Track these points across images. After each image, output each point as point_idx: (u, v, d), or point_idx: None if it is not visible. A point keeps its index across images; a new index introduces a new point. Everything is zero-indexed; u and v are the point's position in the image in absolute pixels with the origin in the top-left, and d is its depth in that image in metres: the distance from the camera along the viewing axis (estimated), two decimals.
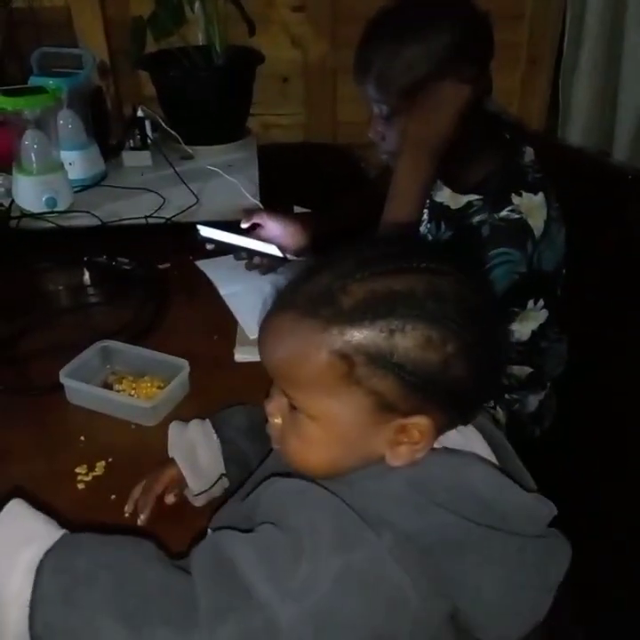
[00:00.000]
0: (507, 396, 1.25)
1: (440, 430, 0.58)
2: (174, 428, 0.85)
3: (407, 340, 0.53)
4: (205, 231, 1.28)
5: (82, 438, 0.94)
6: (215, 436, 0.83)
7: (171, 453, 0.84)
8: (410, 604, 0.53)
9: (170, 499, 0.82)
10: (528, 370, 1.25)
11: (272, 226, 1.30)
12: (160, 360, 1.02)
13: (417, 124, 1.01)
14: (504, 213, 1.04)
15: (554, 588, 0.57)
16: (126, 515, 0.82)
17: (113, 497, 0.85)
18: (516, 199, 1.04)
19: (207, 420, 0.86)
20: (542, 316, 1.19)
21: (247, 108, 1.88)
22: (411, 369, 0.53)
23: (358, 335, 0.53)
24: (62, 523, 0.80)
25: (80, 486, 0.87)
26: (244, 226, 1.30)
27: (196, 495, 0.82)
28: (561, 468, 1.23)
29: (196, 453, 0.83)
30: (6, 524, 0.61)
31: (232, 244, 1.29)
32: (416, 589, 0.53)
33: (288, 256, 1.29)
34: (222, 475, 0.83)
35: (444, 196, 1.15)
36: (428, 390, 0.54)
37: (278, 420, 0.62)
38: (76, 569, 0.57)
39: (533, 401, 1.28)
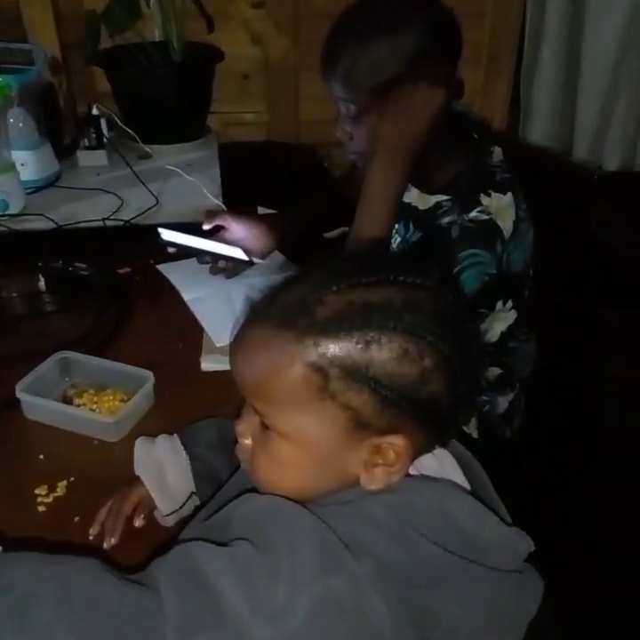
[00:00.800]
0: None
1: (417, 452, 0.56)
2: (140, 445, 0.82)
3: (383, 353, 0.51)
4: (167, 234, 1.24)
5: (41, 456, 0.90)
6: (184, 452, 0.80)
7: (137, 472, 0.80)
8: (384, 635, 0.51)
9: (139, 522, 0.79)
10: (497, 371, 1.24)
11: (236, 228, 1.26)
12: (123, 371, 0.97)
13: (391, 127, 0.99)
14: (473, 214, 1.03)
15: (526, 623, 0.56)
16: (91, 537, 0.78)
17: (76, 519, 0.81)
18: (485, 200, 1.03)
19: (175, 435, 0.82)
20: (511, 316, 1.18)
21: (207, 106, 1.83)
22: (387, 383, 0.52)
23: (333, 347, 0.52)
24: (22, 548, 0.76)
25: (41, 508, 0.82)
26: (207, 228, 1.25)
27: (166, 516, 0.78)
28: (531, 468, 1.23)
29: (165, 471, 0.79)
30: None
31: (195, 247, 1.25)
32: (391, 621, 0.51)
33: (253, 259, 1.25)
34: (192, 493, 0.79)
35: (412, 196, 1.13)
36: (404, 406, 0.53)
37: (248, 441, 0.60)
38: (18, 588, 0.53)
39: (503, 402, 1.27)
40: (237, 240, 1.27)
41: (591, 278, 1.30)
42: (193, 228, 1.28)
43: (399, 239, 1.16)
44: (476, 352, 0.57)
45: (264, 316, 0.55)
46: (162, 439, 0.82)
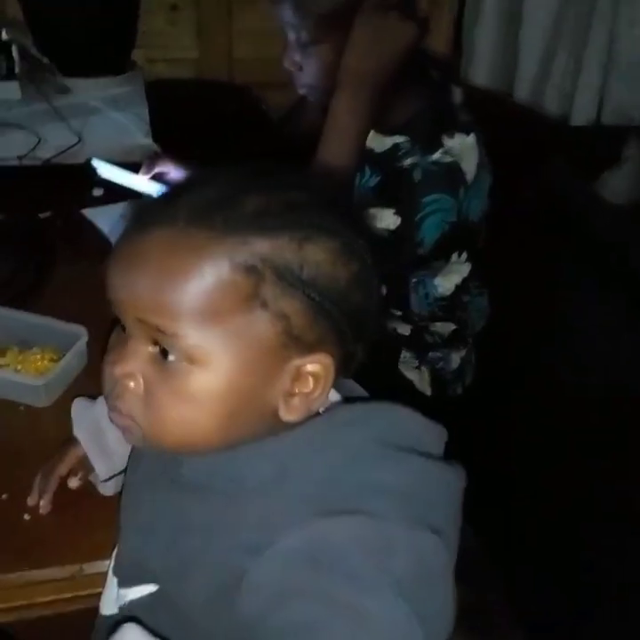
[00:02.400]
0: (430, 354, 1.20)
1: (337, 375, 0.51)
2: (78, 405, 0.73)
3: (317, 253, 0.47)
4: (104, 169, 1.12)
5: None
6: None
7: (75, 432, 0.71)
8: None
9: (73, 482, 0.72)
10: (451, 326, 1.20)
11: (176, 173, 1.16)
12: (51, 327, 0.87)
13: (358, 58, 0.91)
14: (436, 156, 0.97)
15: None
16: (26, 516, 0.70)
17: (4, 496, 0.72)
18: (447, 141, 0.97)
19: None
20: (465, 269, 1.14)
21: (132, 38, 1.67)
22: (320, 287, 0.47)
23: (266, 244, 0.46)
24: None
25: None
26: (145, 176, 1.14)
27: (105, 481, 0.71)
28: (483, 425, 1.21)
29: (104, 432, 0.71)
30: None
31: (134, 189, 1.13)
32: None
33: None
34: None
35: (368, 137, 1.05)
36: (334, 316, 0.48)
37: (134, 384, 0.48)
38: None
39: (456, 358, 1.23)
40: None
41: (543, 228, 1.27)
42: (126, 169, 1.16)
43: (356, 183, 1.08)
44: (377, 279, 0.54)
45: (165, 217, 0.46)
46: (102, 399, 0.72)
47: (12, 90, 1.50)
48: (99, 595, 0.65)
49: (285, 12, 0.95)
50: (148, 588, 0.55)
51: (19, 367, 0.84)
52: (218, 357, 0.46)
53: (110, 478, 0.71)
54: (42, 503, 0.70)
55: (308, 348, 0.48)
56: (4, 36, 1.48)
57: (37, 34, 1.59)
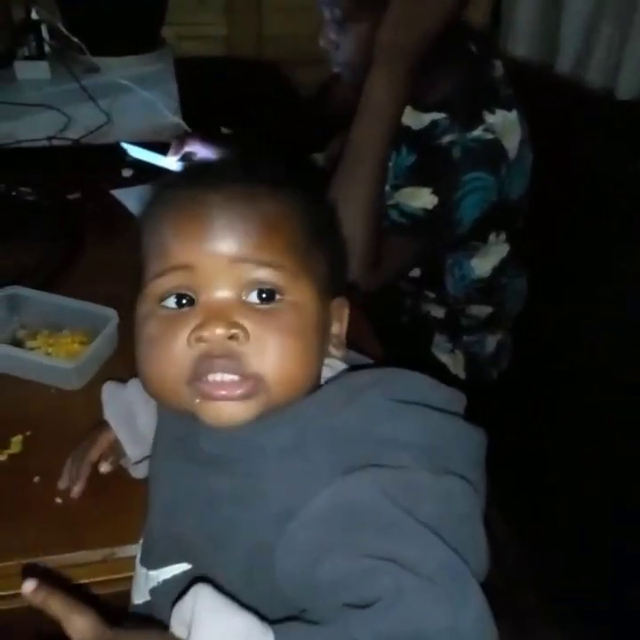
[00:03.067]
0: (465, 337, 1.18)
1: None
2: (108, 388, 0.73)
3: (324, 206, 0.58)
4: (134, 151, 1.10)
5: None
6: None
7: (106, 416, 0.71)
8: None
9: (104, 467, 0.71)
10: (488, 309, 1.17)
11: (205, 152, 1.14)
12: (81, 309, 0.86)
13: (394, 32, 0.87)
14: (477, 133, 0.93)
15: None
16: (58, 500, 0.69)
17: (36, 479, 0.71)
18: (489, 117, 0.94)
19: None
20: (504, 250, 1.11)
21: (161, 14, 1.65)
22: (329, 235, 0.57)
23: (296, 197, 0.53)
24: None
25: None
26: (174, 157, 1.13)
27: (136, 463, 0.70)
28: (518, 411, 1.18)
29: (136, 415, 0.71)
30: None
31: (164, 168, 1.12)
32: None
33: None
34: None
35: (405, 114, 1.02)
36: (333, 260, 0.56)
37: (243, 336, 0.48)
38: None
39: (492, 342, 1.21)
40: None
41: (586, 206, 1.22)
42: (155, 149, 1.15)
43: (392, 162, 1.05)
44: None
45: (224, 179, 0.52)
46: (133, 382, 0.73)
47: (41, 69, 1.49)
48: (131, 578, 0.65)
49: None
50: (182, 567, 0.55)
51: (50, 350, 0.84)
52: (311, 291, 0.51)
53: (141, 461, 0.70)
54: (75, 489, 0.70)
55: (333, 290, 0.54)
56: (34, 15, 1.47)
57: (66, 12, 1.57)
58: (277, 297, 0.49)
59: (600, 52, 1.66)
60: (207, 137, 1.19)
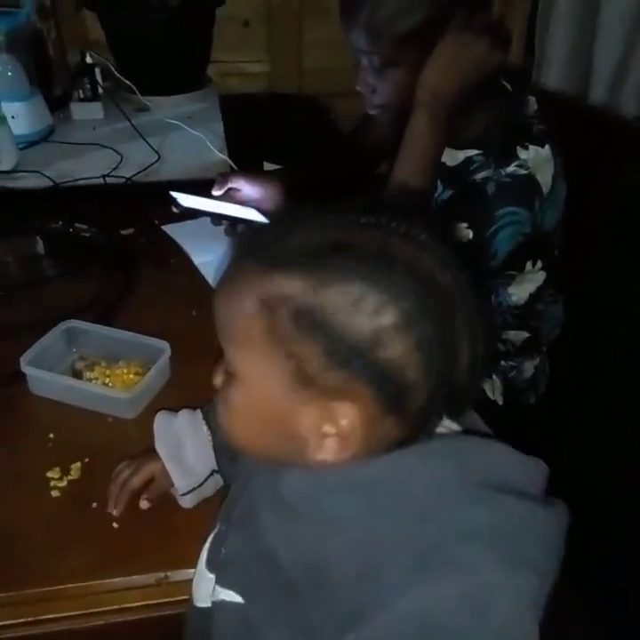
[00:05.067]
0: (503, 363, 1.19)
1: (376, 433, 0.48)
2: (160, 419, 0.77)
3: (335, 298, 0.45)
4: (184, 199, 1.15)
5: (51, 436, 0.83)
6: (205, 427, 0.75)
7: (157, 447, 0.75)
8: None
9: (143, 503, 0.75)
10: (525, 335, 1.18)
11: (249, 189, 1.18)
12: (136, 342, 0.90)
13: (440, 76, 0.90)
14: (511, 169, 0.95)
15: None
16: (114, 525, 0.73)
17: (94, 505, 0.75)
18: (522, 153, 0.96)
19: (198, 409, 0.77)
20: (540, 277, 1.12)
21: (207, 54, 1.72)
22: (335, 334, 0.45)
23: (285, 283, 0.47)
24: (36, 542, 0.71)
25: (54, 494, 0.76)
26: (218, 193, 1.17)
27: (184, 494, 0.74)
28: (557, 436, 1.18)
29: (184, 446, 0.74)
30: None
31: (213, 212, 1.16)
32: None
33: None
34: (214, 471, 0.75)
35: None
36: (355, 368, 0.46)
37: (218, 384, 0.55)
38: None
39: (529, 367, 1.22)
40: (250, 201, 1.19)
41: (620, 234, 1.23)
42: (201, 187, 1.19)
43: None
44: (482, 336, 0.49)
45: (238, 252, 0.52)
46: (183, 413, 0.77)
47: (95, 110, 1.57)
48: (185, 601, 0.68)
49: (359, 38, 0.95)
50: (237, 598, 0.58)
51: (106, 381, 0.89)
52: (248, 377, 0.51)
53: (189, 492, 0.73)
54: (114, 512, 0.74)
55: (329, 392, 0.47)
56: (88, 59, 1.55)
57: (118, 55, 1.66)
58: (235, 372, 0.52)
59: (634, 81, 1.67)
60: (251, 173, 1.23)
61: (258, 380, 0.50)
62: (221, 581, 0.61)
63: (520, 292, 1.11)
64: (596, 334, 1.25)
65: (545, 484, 0.51)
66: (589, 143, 1.26)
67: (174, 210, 1.18)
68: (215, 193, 1.18)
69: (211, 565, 0.62)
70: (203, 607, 0.63)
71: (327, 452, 0.49)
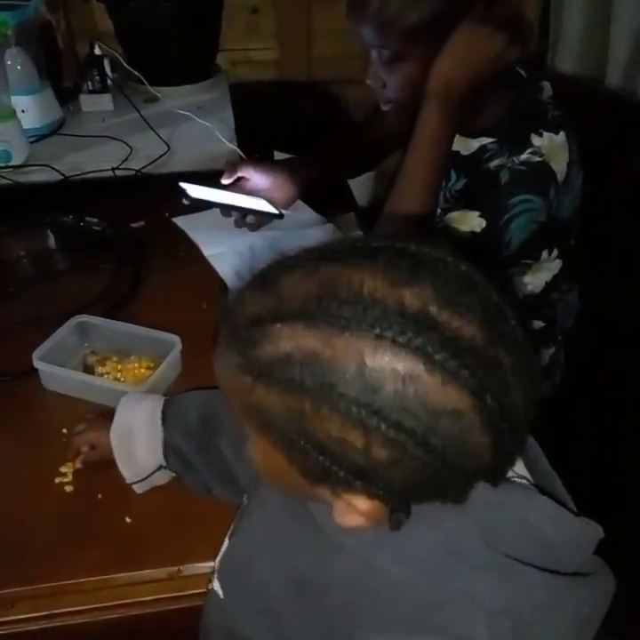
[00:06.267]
0: None
1: (397, 515, 0.45)
2: (125, 402, 0.77)
3: (320, 430, 0.41)
4: (193, 190, 1.15)
5: (64, 431, 0.83)
6: (160, 421, 0.75)
7: (111, 432, 0.75)
8: None
9: (77, 464, 0.78)
10: (540, 324, 1.17)
11: (259, 179, 1.17)
12: (147, 336, 0.91)
13: (452, 68, 0.89)
14: (525, 156, 0.94)
15: (599, 622, 0.49)
16: (127, 519, 0.74)
17: (99, 496, 0.76)
18: (536, 140, 0.94)
19: (163, 400, 0.77)
20: (556, 266, 1.11)
21: (215, 43, 1.71)
22: (333, 457, 0.42)
23: (267, 400, 0.42)
24: (50, 537, 0.72)
25: (68, 489, 0.77)
26: (227, 182, 1.16)
27: (132, 483, 0.75)
28: (574, 426, 1.18)
29: (135, 438, 0.75)
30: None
31: (222, 203, 1.16)
32: None
33: (282, 211, 1.17)
34: (161, 467, 0.75)
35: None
36: (358, 485, 0.42)
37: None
38: None
39: (544, 356, 1.20)
40: (259, 191, 1.18)
41: (637, 224, 1.21)
42: (210, 179, 1.19)
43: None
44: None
45: (231, 321, 0.45)
46: (147, 402, 0.77)
47: (105, 102, 1.56)
48: (198, 595, 0.69)
49: (368, 32, 0.93)
50: (220, 591, 0.60)
51: (118, 375, 0.89)
52: (258, 451, 0.48)
53: (137, 482, 0.75)
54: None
55: (338, 487, 0.44)
56: (97, 50, 1.54)
57: (127, 46, 1.65)
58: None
59: None
60: (260, 162, 1.22)
61: (268, 458, 0.46)
62: (218, 570, 0.62)
63: (536, 280, 1.10)
64: (611, 324, 1.24)
65: (591, 548, 0.48)
66: (606, 128, 1.24)
67: (184, 201, 1.18)
68: (224, 182, 1.17)
69: (230, 537, 0.64)
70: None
71: (355, 521, 0.46)
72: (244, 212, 1.17)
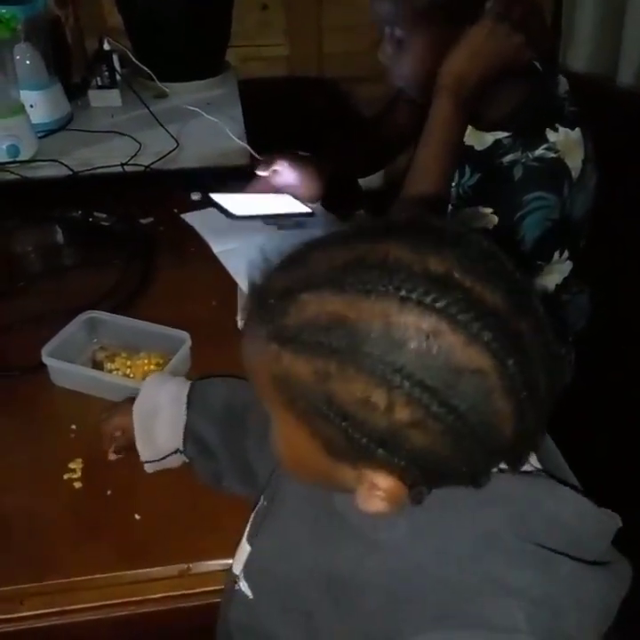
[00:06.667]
0: None
1: (422, 493, 0.45)
2: (151, 381, 0.78)
3: (345, 393, 0.41)
4: (227, 202, 1.13)
5: (73, 427, 0.83)
6: (185, 409, 0.74)
7: (134, 408, 0.75)
8: None
9: (111, 456, 0.77)
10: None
11: (288, 174, 1.17)
12: (156, 333, 0.90)
13: (463, 64, 0.88)
14: (539, 152, 0.92)
15: (616, 610, 0.49)
16: (137, 516, 0.73)
17: (109, 492, 0.76)
18: (551, 135, 0.93)
19: (188, 384, 0.77)
20: (567, 268, 1.09)
21: (225, 39, 1.70)
22: (355, 423, 0.41)
23: (294, 365, 0.43)
24: (60, 534, 0.71)
25: (77, 485, 0.76)
26: (263, 174, 1.16)
27: (145, 462, 0.75)
28: (585, 426, 1.17)
29: (157, 417, 0.75)
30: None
31: (264, 214, 1.15)
32: None
33: (313, 209, 1.17)
34: (178, 450, 0.75)
35: (466, 135, 1.03)
36: (379, 454, 0.42)
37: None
38: None
39: None
40: (287, 185, 1.18)
41: None
42: (220, 176, 1.18)
43: (453, 184, 1.06)
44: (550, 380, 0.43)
45: (258, 295, 0.46)
46: (172, 384, 0.77)
47: (114, 97, 1.55)
48: (208, 593, 0.69)
49: (382, 7, 0.94)
50: (249, 592, 0.59)
51: (128, 371, 0.88)
52: (281, 431, 0.48)
53: (148, 462, 0.75)
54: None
55: (366, 465, 0.44)
56: (106, 45, 1.53)
57: (136, 41, 1.64)
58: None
59: None
60: (291, 158, 1.21)
61: (291, 439, 0.47)
62: (244, 571, 0.61)
63: (546, 283, 1.09)
64: (626, 324, 1.23)
65: (609, 537, 0.48)
66: (620, 127, 1.23)
67: (226, 217, 1.14)
68: (261, 174, 1.17)
69: (249, 539, 0.63)
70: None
71: (377, 505, 0.45)
72: (283, 220, 1.16)
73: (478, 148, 1.00)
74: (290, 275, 0.44)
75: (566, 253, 1.06)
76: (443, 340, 0.39)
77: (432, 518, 0.47)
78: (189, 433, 0.74)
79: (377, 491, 0.44)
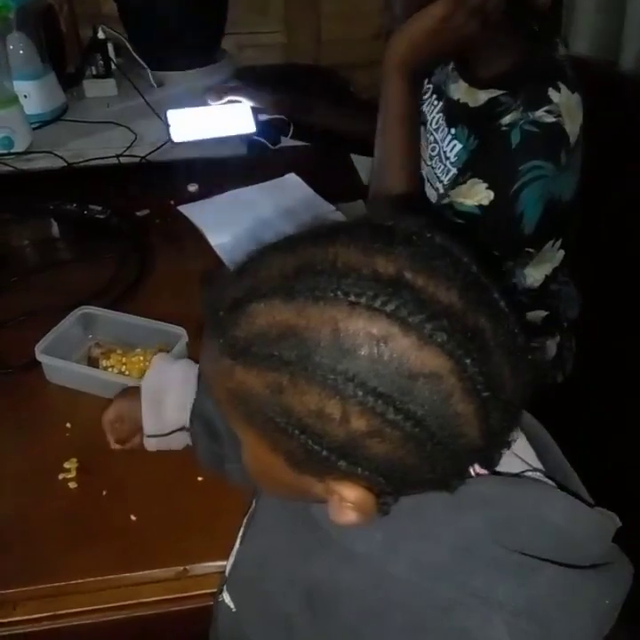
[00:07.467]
0: None
1: (390, 503, 0.44)
2: (160, 360, 0.76)
3: (299, 405, 0.39)
4: (177, 121, 1.21)
5: (68, 425, 0.82)
6: (195, 388, 0.73)
7: (144, 378, 0.74)
8: None
9: (115, 446, 0.76)
10: (543, 313, 1.13)
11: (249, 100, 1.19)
12: (152, 328, 0.89)
13: (405, 44, 0.89)
14: (539, 113, 0.87)
15: (616, 612, 0.47)
16: (132, 517, 0.72)
17: (104, 493, 0.75)
18: (554, 95, 0.88)
19: (197, 367, 0.75)
20: (558, 257, 1.06)
21: (222, 26, 1.67)
22: (313, 435, 0.40)
23: (246, 381, 0.41)
24: (55, 536, 0.70)
25: (72, 485, 0.75)
26: (215, 104, 1.17)
27: (149, 437, 0.73)
28: (585, 414, 1.15)
29: (167, 392, 0.73)
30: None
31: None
32: None
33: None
34: (184, 428, 0.73)
35: (461, 91, 0.99)
36: (340, 465, 0.41)
37: None
38: None
39: (552, 345, 1.17)
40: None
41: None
42: (217, 165, 1.17)
43: (460, 146, 1.02)
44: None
45: (210, 307, 0.44)
46: (184, 362, 0.76)
47: (108, 87, 1.53)
48: (204, 595, 0.67)
49: None
50: (232, 604, 0.59)
51: (123, 368, 0.87)
52: (247, 446, 0.47)
53: (153, 436, 0.73)
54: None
55: (330, 477, 0.42)
56: (101, 34, 1.51)
57: (131, 30, 1.61)
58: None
59: None
60: (254, 88, 1.22)
61: (256, 453, 0.45)
62: (228, 581, 0.60)
63: (536, 273, 1.05)
64: (622, 311, 1.21)
65: (607, 539, 0.46)
66: (617, 113, 1.21)
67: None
68: (212, 103, 1.19)
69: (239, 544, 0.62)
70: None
71: (348, 516, 0.44)
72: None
73: (472, 105, 0.97)
74: (239, 284, 0.42)
75: (559, 242, 1.03)
76: (394, 345, 0.37)
77: (407, 527, 0.45)
78: (197, 412, 0.72)
79: (346, 502, 0.43)
